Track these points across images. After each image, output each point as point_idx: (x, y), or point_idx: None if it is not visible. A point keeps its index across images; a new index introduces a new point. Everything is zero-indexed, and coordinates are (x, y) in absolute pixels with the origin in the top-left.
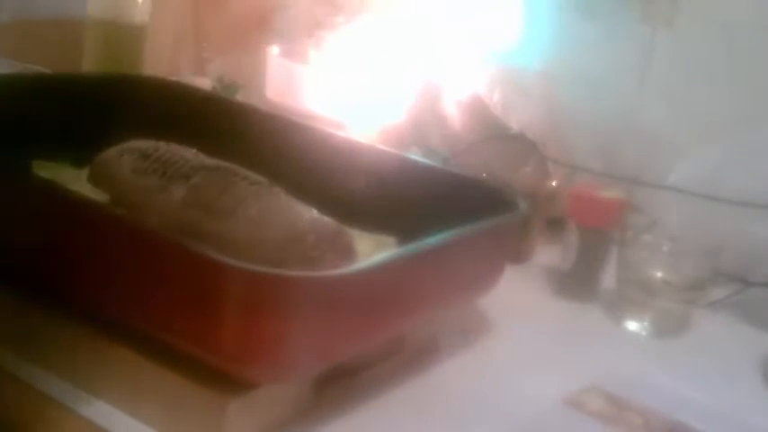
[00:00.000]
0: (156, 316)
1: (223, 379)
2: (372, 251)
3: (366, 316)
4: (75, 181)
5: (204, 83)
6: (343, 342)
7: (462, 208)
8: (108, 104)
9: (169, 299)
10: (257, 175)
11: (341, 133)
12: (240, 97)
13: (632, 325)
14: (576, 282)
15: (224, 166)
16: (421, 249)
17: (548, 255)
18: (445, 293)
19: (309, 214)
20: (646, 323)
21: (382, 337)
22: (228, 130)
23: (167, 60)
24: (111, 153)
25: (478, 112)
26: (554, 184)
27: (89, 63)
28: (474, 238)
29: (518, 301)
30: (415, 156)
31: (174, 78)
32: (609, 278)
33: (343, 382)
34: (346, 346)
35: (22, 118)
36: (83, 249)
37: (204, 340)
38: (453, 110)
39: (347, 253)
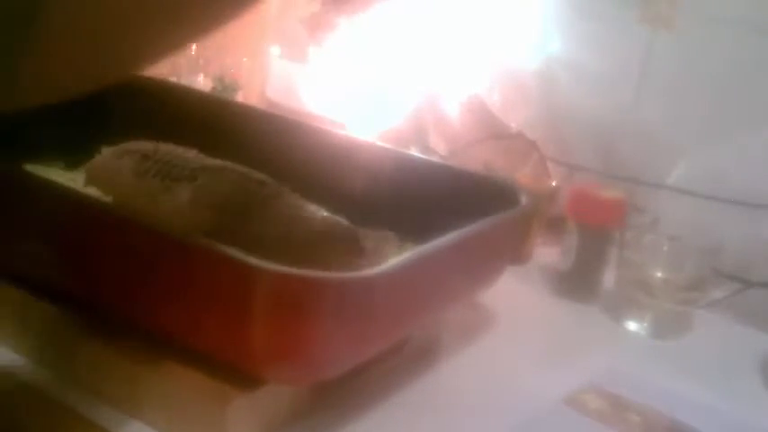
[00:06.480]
0: (187, 320)
1: (224, 378)
2: (375, 247)
3: (392, 314)
4: (70, 183)
5: (204, 83)
6: (371, 341)
7: (462, 203)
8: (105, 105)
9: (200, 302)
10: (262, 174)
11: (339, 131)
12: (240, 97)
13: (632, 325)
14: (576, 282)
15: (229, 167)
16: (442, 246)
17: (548, 255)
18: (454, 289)
19: (321, 214)
20: (646, 323)
21: (401, 336)
22: (228, 130)
23: (167, 60)
24: (110, 155)
25: (478, 112)
26: (554, 183)
27: None
28: (487, 233)
29: (518, 301)
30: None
31: (173, 78)
32: (609, 278)
33: (343, 382)
34: (372, 346)
35: (11, 119)
36: (109, 255)
37: (237, 344)
38: (453, 110)
39: (359, 252)
